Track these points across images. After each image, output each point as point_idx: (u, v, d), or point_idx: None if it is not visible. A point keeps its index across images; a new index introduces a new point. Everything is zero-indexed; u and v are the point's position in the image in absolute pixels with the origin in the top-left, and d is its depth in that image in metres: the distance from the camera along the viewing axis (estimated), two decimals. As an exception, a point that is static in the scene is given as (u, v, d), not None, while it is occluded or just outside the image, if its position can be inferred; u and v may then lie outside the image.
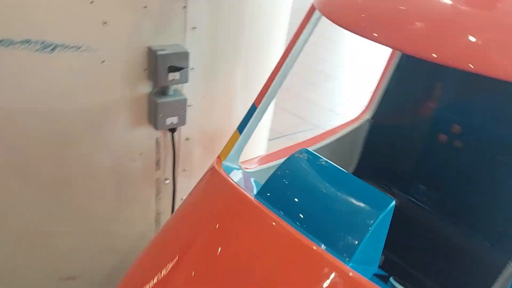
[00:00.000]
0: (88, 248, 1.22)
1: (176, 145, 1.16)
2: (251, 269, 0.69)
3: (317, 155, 0.83)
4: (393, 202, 0.71)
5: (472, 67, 0.57)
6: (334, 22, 0.74)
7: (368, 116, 1.36)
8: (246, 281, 0.68)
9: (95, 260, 1.24)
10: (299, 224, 0.71)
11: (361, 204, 0.72)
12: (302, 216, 0.72)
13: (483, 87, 1.15)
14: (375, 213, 0.69)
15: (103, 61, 0.98)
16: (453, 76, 1.23)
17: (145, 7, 0.96)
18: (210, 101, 1.19)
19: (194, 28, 1.04)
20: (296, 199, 0.76)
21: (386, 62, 1.37)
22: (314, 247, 0.67)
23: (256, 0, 1.16)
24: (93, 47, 0.96)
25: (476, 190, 1.14)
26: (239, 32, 1.16)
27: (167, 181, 1.22)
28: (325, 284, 0.64)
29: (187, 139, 1.18)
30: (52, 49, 0.92)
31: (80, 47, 0.94)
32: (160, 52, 0.98)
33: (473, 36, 0.60)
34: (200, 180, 0.93)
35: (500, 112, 1.14)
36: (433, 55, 0.61)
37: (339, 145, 1.29)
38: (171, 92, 1.07)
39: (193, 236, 0.80)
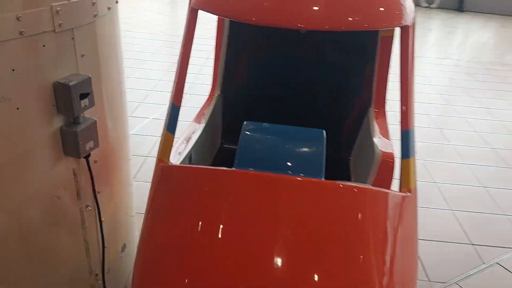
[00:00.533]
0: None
1: (91, 172, 1.22)
2: (280, 218, 0.92)
3: (258, 123, 1.11)
4: (324, 132, 1.08)
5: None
6: (211, 13, 1.01)
7: (218, 92, 1.67)
8: (284, 227, 0.91)
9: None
10: (280, 171, 1.00)
11: (308, 141, 1.06)
12: (278, 165, 1.01)
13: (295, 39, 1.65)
14: (320, 142, 1.04)
15: (18, 108, 0.97)
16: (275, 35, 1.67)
17: (44, 45, 0.99)
18: (103, 122, 1.27)
19: (83, 55, 1.12)
20: (267, 157, 1.03)
21: (215, 41, 1.70)
22: (300, 179, 0.97)
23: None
24: (7, 97, 0.94)
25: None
26: (118, 57, 1.28)
27: (89, 208, 1.26)
28: (322, 196, 0.95)
29: (95, 161, 1.24)
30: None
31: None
32: (71, 83, 1.04)
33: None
34: (160, 183, 1.07)
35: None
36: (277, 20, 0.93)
37: (211, 122, 1.57)
38: (81, 119, 1.12)
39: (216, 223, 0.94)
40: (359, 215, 0.92)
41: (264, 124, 1.12)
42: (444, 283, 1.86)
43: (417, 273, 1.10)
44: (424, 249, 2.01)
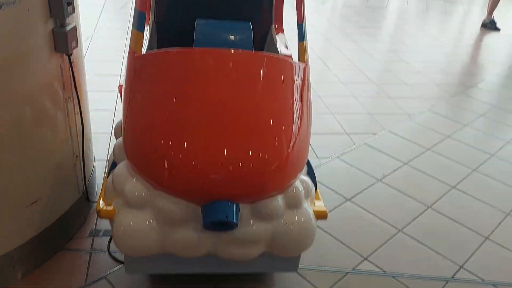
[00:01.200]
0: (31, 173, 1.52)
1: (71, 67, 1.57)
2: (235, 81, 1.36)
3: (206, 19, 1.54)
4: (250, 23, 1.54)
5: None
6: None
7: (152, 18, 2.03)
8: (235, 88, 1.36)
9: (41, 180, 1.55)
10: (230, 46, 1.44)
11: (241, 28, 1.52)
12: (224, 44, 1.46)
13: None
14: (248, 27, 1.52)
15: (28, 10, 1.30)
16: None
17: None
18: (78, 27, 1.60)
19: (63, -27, 1.44)
20: (215, 39, 1.47)
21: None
22: (240, 51, 1.43)
23: None
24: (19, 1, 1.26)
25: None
26: None
27: (70, 98, 1.61)
28: (256, 61, 1.42)
29: (73, 62, 1.59)
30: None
31: (14, 2, 1.24)
32: (63, -7, 1.38)
33: None
34: (135, 68, 1.44)
35: None
36: None
37: (149, 46, 1.92)
38: (67, 23, 1.46)
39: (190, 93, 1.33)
40: (281, 73, 1.43)
41: (211, 20, 1.56)
42: (328, 157, 2.55)
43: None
44: (314, 139, 2.68)
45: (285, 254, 1.39)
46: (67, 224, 1.76)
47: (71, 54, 1.53)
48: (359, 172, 2.45)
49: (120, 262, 1.70)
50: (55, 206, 1.66)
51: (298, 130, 1.35)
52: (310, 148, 1.50)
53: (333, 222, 2.02)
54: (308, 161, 1.50)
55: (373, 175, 2.43)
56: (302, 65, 1.49)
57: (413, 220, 2.13)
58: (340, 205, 2.17)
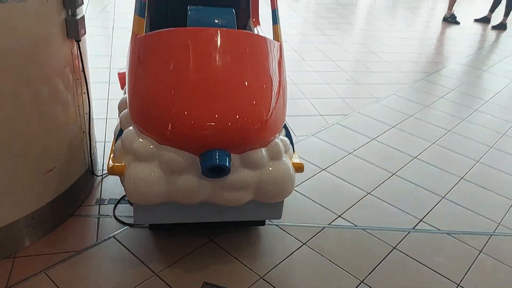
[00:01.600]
0: (47, 143, 1.74)
1: (80, 51, 1.80)
2: (224, 54, 1.63)
3: (198, 6, 1.79)
4: (233, 9, 1.81)
5: None
6: None
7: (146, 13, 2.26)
8: (216, 59, 1.63)
9: (55, 151, 1.78)
10: (217, 26, 1.70)
11: (225, 12, 1.78)
12: (212, 24, 1.72)
13: None
14: (231, 12, 1.78)
15: (47, 1, 1.53)
16: None
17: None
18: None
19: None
20: (206, 20, 1.73)
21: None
22: (225, 29, 1.69)
23: None
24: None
25: None
26: None
27: (78, 79, 1.84)
28: (239, 37, 1.68)
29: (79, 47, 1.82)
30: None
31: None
32: (75, -14, 1.61)
33: None
34: (138, 47, 1.69)
35: None
36: None
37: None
38: (77, 13, 1.69)
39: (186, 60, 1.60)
40: (259, 47, 1.70)
41: (201, 6, 1.82)
42: (305, 135, 2.84)
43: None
44: (291, 120, 2.97)
45: (270, 200, 1.65)
46: (77, 193, 1.98)
47: (80, 40, 1.76)
48: (333, 147, 2.75)
49: (126, 224, 1.93)
50: (67, 175, 1.88)
51: (277, 96, 1.62)
52: (289, 127, 1.79)
53: (311, 188, 2.31)
54: (285, 125, 1.77)
55: (345, 149, 2.73)
56: (276, 43, 1.76)
57: (380, 184, 2.43)
58: (316, 174, 2.46)
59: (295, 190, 2.25)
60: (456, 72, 4.51)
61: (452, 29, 6.30)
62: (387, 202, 2.30)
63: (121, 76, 2.29)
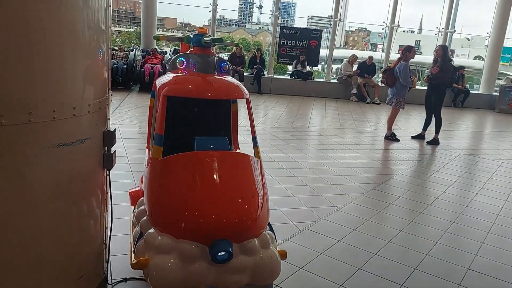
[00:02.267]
0: (81, 254, 2.13)
1: (110, 177, 2.29)
2: (223, 169, 2.18)
3: (201, 137, 2.38)
4: (227, 138, 2.40)
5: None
6: (177, 95, 2.33)
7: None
8: (218, 173, 2.18)
9: (86, 257, 2.16)
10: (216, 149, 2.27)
11: (221, 140, 2.38)
12: (212, 148, 2.29)
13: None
14: (225, 140, 2.37)
15: (95, 142, 2.06)
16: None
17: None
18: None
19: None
20: (206, 146, 2.30)
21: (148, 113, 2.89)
22: (222, 151, 2.26)
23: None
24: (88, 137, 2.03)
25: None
26: None
27: (104, 200, 2.30)
28: (231, 157, 2.26)
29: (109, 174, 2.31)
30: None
31: (90, 137, 2.01)
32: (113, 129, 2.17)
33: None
34: (156, 168, 2.20)
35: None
36: (209, 93, 2.34)
37: None
38: (110, 148, 2.22)
39: (194, 177, 2.13)
40: (247, 164, 2.27)
41: (204, 136, 2.41)
42: (280, 241, 3.30)
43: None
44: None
45: (263, 281, 2.08)
46: (96, 297, 2.30)
47: (110, 169, 2.26)
48: (305, 248, 3.22)
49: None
50: (92, 281, 2.22)
51: (262, 200, 2.18)
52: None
53: (292, 283, 2.72)
54: (269, 223, 2.29)
55: (317, 251, 3.21)
56: (258, 160, 2.35)
57: (349, 278, 2.88)
58: (295, 272, 2.89)
59: (280, 287, 2.66)
60: (401, 182, 5.27)
61: (394, 146, 7.32)
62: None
63: (132, 194, 2.76)
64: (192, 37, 2.54)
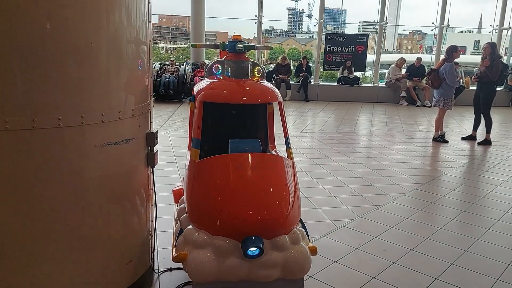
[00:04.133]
0: (130, 242, 2.40)
1: (153, 175, 2.56)
2: (254, 170, 2.37)
3: (235, 139, 2.59)
4: (259, 140, 2.61)
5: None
6: (214, 101, 2.56)
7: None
8: (250, 173, 2.37)
9: (134, 246, 2.42)
10: (247, 152, 2.47)
11: (253, 142, 2.57)
12: (245, 150, 2.48)
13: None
14: (257, 142, 2.57)
15: (139, 142, 2.34)
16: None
17: (145, 116, 2.40)
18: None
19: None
20: (241, 148, 2.50)
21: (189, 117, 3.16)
22: (255, 153, 2.45)
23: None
24: (133, 137, 2.31)
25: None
26: None
27: (150, 195, 2.57)
28: (263, 158, 2.45)
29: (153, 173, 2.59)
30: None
31: (133, 138, 2.28)
32: (156, 132, 2.44)
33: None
34: (194, 169, 2.44)
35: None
36: (243, 98, 2.55)
37: None
38: (154, 150, 2.49)
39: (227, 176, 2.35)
40: (278, 164, 2.43)
41: (237, 139, 2.61)
42: (318, 236, 3.44)
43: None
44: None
45: (293, 276, 2.21)
46: (143, 283, 2.56)
47: (154, 167, 2.53)
48: (341, 244, 3.33)
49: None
50: (139, 268, 2.49)
51: (293, 199, 2.32)
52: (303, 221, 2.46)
53: (326, 275, 2.84)
54: (301, 220, 2.43)
55: (352, 246, 3.31)
56: (290, 161, 2.51)
57: (382, 271, 2.96)
58: (327, 266, 3.01)
59: (314, 278, 2.80)
60: (445, 182, 5.20)
61: (443, 147, 7.17)
62: (389, 284, 2.80)
63: (175, 193, 3.02)
64: (227, 44, 2.75)
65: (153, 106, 2.60)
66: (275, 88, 2.68)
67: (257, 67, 2.77)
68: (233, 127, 3.10)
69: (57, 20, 1.86)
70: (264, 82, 2.71)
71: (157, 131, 2.51)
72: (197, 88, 2.75)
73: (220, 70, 2.75)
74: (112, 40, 2.09)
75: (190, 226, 2.27)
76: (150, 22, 2.43)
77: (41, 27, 1.82)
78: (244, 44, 2.64)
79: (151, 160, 2.47)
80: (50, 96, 1.89)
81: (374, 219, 3.86)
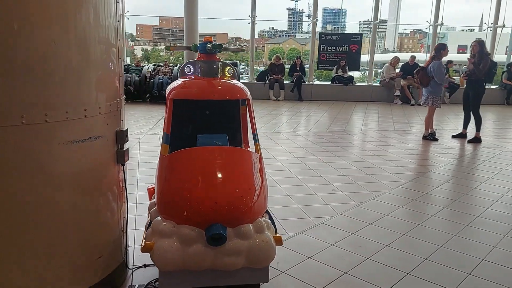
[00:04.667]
0: (100, 237, 2.43)
1: (125, 171, 2.60)
2: (214, 159, 2.41)
3: (203, 134, 2.64)
4: (226, 135, 2.64)
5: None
6: (183, 98, 2.60)
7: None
8: (215, 165, 2.42)
9: (104, 241, 2.46)
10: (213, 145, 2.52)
11: (221, 137, 2.62)
12: (211, 143, 2.53)
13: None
14: (225, 136, 2.60)
15: (107, 140, 2.38)
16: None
17: (114, 115, 2.45)
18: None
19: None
20: (207, 142, 2.54)
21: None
22: (221, 146, 2.50)
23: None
24: (102, 135, 2.35)
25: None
26: None
27: (121, 192, 2.61)
28: (228, 151, 2.49)
29: (125, 167, 2.62)
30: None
31: (101, 136, 2.33)
32: (124, 129, 2.48)
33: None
34: (163, 163, 2.48)
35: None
36: (212, 95, 2.60)
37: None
38: (124, 148, 2.53)
39: (192, 167, 2.40)
40: (243, 157, 2.48)
41: (204, 134, 2.66)
42: (295, 233, 3.47)
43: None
44: (286, 223, 3.63)
45: (258, 264, 2.26)
46: (116, 278, 2.60)
47: (124, 164, 2.57)
48: (317, 241, 3.37)
49: (153, 300, 2.50)
50: (110, 263, 2.52)
51: (259, 190, 2.37)
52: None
53: (299, 270, 2.88)
54: (269, 212, 2.48)
55: (328, 242, 3.34)
56: (257, 155, 2.56)
57: (355, 266, 2.99)
58: (301, 262, 3.05)
59: (286, 273, 2.84)
60: (430, 179, 5.23)
61: (432, 145, 7.20)
62: (361, 279, 2.84)
63: (150, 190, 3.07)
64: (199, 45, 2.82)
65: (124, 104, 2.65)
66: (244, 86, 2.74)
67: (227, 67, 2.83)
68: (207, 126, 3.15)
69: (21, 18, 1.90)
70: (234, 81, 2.77)
71: (127, 129, 2.55)
72: (169, 88, 2.81)
73: (192, 70, 2.80)
74: (78, 39, 2.13)
75: (158, 218, 2.32)
76: (119, 21, 2.47)
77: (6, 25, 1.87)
78: (212, 44, 2.71)
79: (120, 157, 2.51)
80: (13, 94, 1.94)
81: (353, 216, 3.89)
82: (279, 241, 2.34)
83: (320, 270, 2.94)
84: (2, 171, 1.97)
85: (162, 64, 11.87)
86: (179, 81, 2.80)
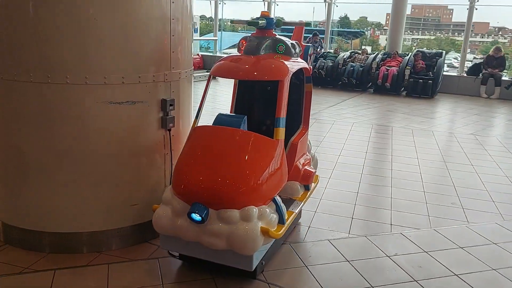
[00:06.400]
0: (139, 188, 2.84)
1: (170, 137, 2.93)
2: (220, 144, 2.45)
3: (224, 113, 2.70)
4: (245, 116, 2.60)
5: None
6: (217, 76, 2.70)
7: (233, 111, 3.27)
8: (213, 147, 2.45)
9: (143, 192, 2.86)
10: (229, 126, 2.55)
11: (238, 117, 2.59)
12: (228, 125, 2.55)
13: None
14: (242, 118, 2.53)
15: (149, 105, 2.75)
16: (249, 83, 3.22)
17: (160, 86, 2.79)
18: (177, 117, 2.98)
19: (173, 91, 2.89)
20: (224, 122, 2.58)
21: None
22: (234, 128, 2.49)
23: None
24: (144, 101, 2.72)
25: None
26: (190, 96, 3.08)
27: (167, 154, 2.95)
28: (239, 135, 2.46)
29: (172, 135, 2.95)
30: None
31: (143, 101, 2.70)
32: (169, 99, 2.80)
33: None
34: (192, 134, 2.67)
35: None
36: (240, 73, 2.58)
37: None
38: (169, 114, 2.85)
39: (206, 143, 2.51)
40: (250, 142, 2.35)
41: (226, 113, 2.71)
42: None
43: (286, 179, 2.55)
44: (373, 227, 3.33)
45: (237, 251, 2.24)
46: (149, 229, 2.97)
47: (170, 129, 2.89)
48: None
49: (172, 255, 2.77)
50: (146, 213, 2.90)
51: (258, 178, 2.31)
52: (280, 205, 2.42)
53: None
54: (277, 203, 2.42)
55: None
56: (271, 141, 2.44)
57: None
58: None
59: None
60: None
61: None
62: None
63: None
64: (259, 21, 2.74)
65: (192, 76, 2.93)
66: (283, 66, 2.62)
67: (279, 44, 2.73)
68: (270, 103, 3.11)
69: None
70: (274, 60, 2.65)
71: (173, 99, 2.84)
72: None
73: (243, 46, 2.82)
74: (120, 18, 2.55)
75: (170, 187, 2.53)
76: (173, 3, 2.75)
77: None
78: (265, 20, 2.67)
79: (164, 123, 2.84)
80: (60, 57, 2.50)
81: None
82: (266, 234, 2.25)
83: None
84: (49, 118, 2.57)
85: (359, 52, 11.69)
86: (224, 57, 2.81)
